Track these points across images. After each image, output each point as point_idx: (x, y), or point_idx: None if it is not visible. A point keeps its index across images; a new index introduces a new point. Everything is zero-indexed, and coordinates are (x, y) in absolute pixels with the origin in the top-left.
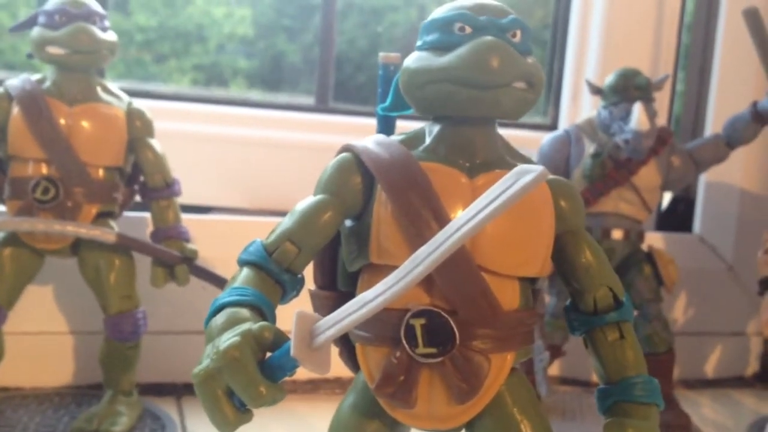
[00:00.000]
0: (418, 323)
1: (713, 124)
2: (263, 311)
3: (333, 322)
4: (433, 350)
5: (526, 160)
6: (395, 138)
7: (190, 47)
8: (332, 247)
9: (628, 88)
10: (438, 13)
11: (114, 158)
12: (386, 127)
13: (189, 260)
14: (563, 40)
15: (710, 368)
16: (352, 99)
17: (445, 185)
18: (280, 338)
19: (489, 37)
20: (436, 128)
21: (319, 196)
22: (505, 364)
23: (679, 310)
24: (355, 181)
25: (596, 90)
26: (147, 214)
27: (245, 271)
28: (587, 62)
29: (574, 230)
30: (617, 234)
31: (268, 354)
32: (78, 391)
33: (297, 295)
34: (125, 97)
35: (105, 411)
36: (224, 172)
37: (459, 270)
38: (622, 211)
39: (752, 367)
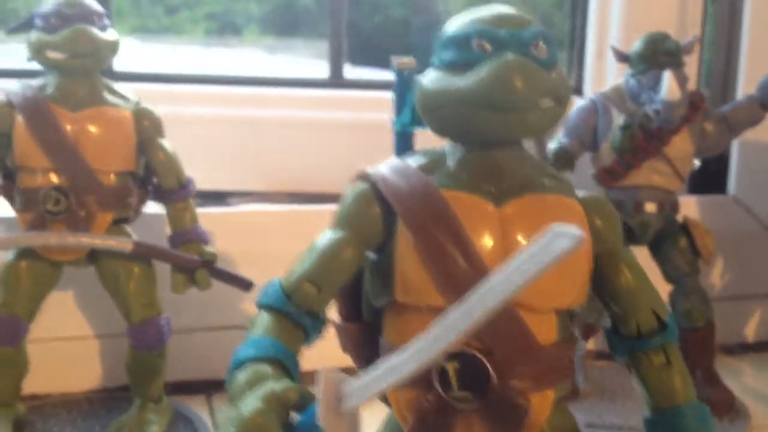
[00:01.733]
0: (451, 367)
1: (745, 84)
2: (286, 365)
3: (361, 384)
4: (468, 394)
5: (560, 180)
6: (413, 161)
7: None
8: (355, 278)
9: (656, 55)
10: (453, 27)
11: (125, 163)
12: (404, 141)
13: (209, 264)
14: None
15: (750, 332)
16: (366, 46)
17: (471, 216)
18: (306, 398)
19: (511, 55)
20: (458, 151)
21: (338, 233)
22: (546, 402)
23: (715, 275)
24: (374, 213)
25: (623, 57)
26: (162, 211)
27: (265, 317)
28: (611, 19)
29: (612, 250)
30: (650, 207)
31: (293, 414)
32: (107, 394)
33: (320, 335)
34: (132, 97)
35: (135, 420)
36: (239, 154)
37: None
38: (655, 183)
39: None
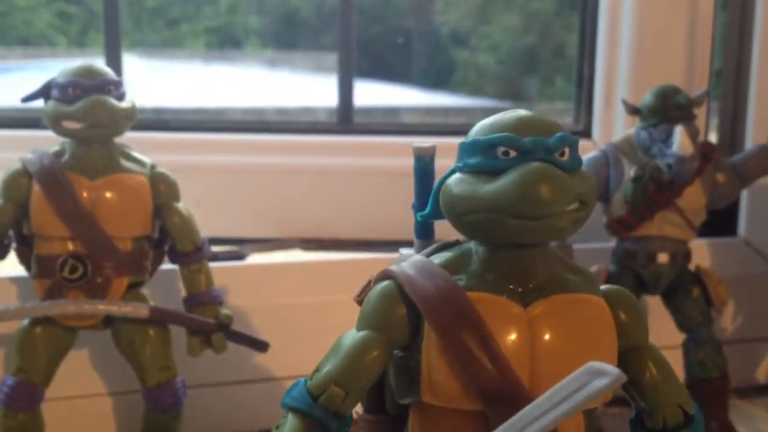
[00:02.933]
0: None
1: (755, 133)
2: None
3: None
4: None
5: (584, 275)
6: (438, 259)
7: (201, 10)
8: None
9: (667, 109)
10: (479, 134)
11: (141, 228)
12: (426, 229)
13: (225, 327)
14: (592, 45)
15: (763, 375)
16: (366, 57)
17: (497, 318)
18: None
19: (536, 164)
20: (483, 251)
21: (364, 333)
22: None
23: (726, 318)
24: (401, 313)
25: (633, 110)
26: (176, 267)
27: (291, 421)
28: (619, 64)
29: (637, 345)
30: (663, 258)
31: None
32: None
33: None
34: (147, 162)
35: None
36: (252, 201)
37: None
38: (667, 234)
39: None
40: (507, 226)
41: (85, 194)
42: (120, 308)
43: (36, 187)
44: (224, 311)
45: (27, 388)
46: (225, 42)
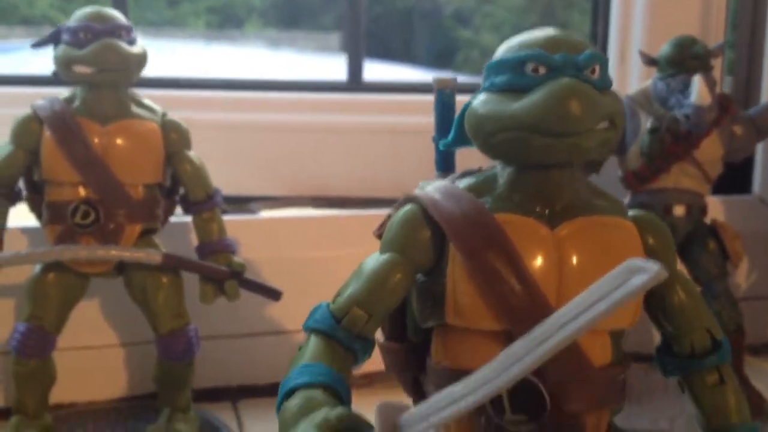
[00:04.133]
0: (505, 391)
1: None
2: (338, 391)
3: (420, 416)
4: (522, 417)
5: (611, 200)
6: (462, 183)
7: None
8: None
9: (685, 59)
10: (507, 52)
11: (153, 175)
12: (447, 159)
13: (238, 274)
14: (606, 3)
15: None
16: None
17: (525, 239)
18: (360, 427)
19: (566, 80)
20: (509, 172)
21: (387, 255)
22: (601, 424)
23: (741, 275)
24: (425, 236)
25: (650, 61)
26: (188, 219)
27: (314, 341)
28: (633, 21)
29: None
30: (679, 210)
31: None
32: (133, 402)
33: (369, 356)
34: (158, 109)
35: (163, 430)
36: (262, 159)
37: None
38: (684, 186)
39: None
40: (535, 145)
41: (96, 140)
42: (133, 254)
43: (47, 133)
44: (237, 259)
45: (39, 334)
46: (226, 21)
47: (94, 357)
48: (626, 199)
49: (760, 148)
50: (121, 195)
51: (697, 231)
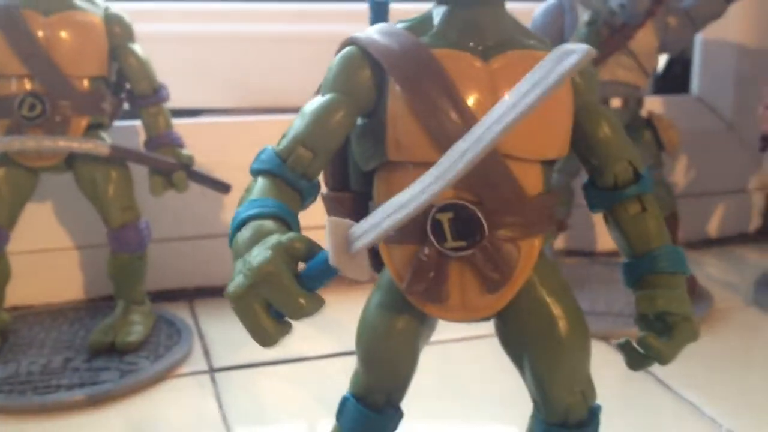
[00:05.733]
0: (445, 218)
1: None
2: (287, 221)
3: (369, 226)
4: (462, 243)
5: (538, 39)
6: (400, 25)
7: None
8: (341, 147)
9: None
10: None
11: (97, 67)
12: (380, 13)
13: (186, 166)
14: None
15: (713, 227)
16: None
17: (460, 71)
18: (312, 248)
19: None
20: (443, 11)
21: (329, 96)
22: (534, 250)
23: (680, 173)
24: (365, 75)
25: None
26: (138, 122)
27: (261, 181)
28: None
29: (591, 104)
30: (616, 102)
31: (302, 265)
32: (90, 304)
33: (314, 200)
34: (101, 2)
35: (120, 322)
36: (210, 72)
37: (483, 159)
38: (620, 78)
39: (755, 222)
40: None
41: (40, 32)
42: (80, 144)
43: None
44: (185, 152)
45: None
46: None
47: (49, 260)
48: None
49: (698, 49)
50: (66, 87)
51: (634, 123)
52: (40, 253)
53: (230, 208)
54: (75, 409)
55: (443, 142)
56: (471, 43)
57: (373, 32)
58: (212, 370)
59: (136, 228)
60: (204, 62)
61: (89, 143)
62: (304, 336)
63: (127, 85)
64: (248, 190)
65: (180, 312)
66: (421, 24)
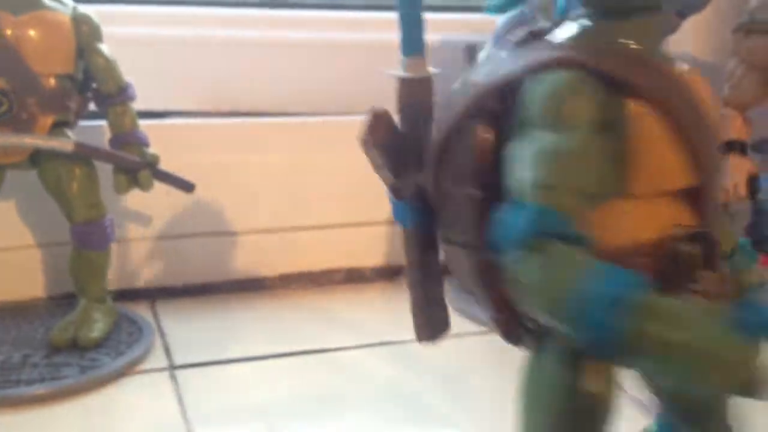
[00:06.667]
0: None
1: None
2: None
3: None
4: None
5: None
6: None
7: None
8: None
9: None
10: None
11: (64, 66)
12: (413, 26)
13: (150, 165)
14: None
15: None
16: None
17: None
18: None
19: None
20: (609, 23)
21: (573, 132)
22: None
23: None
24: (599, 101)
25: None
26: (104, 122)
27: (561, 248)
28: None
29: None
30: None
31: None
32: (51, 302)
33: None
34: (69, 2)
35: (80, 318)
36: (178, 75)
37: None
38: None
39: None
40: None
41: (9, 30)
42: (46, 141)
43: None
44: (150, 151)
45: None
46: None
47: (10, 257)
48: None
49: None
50: (33, 84)
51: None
52: (1, 252)
53: (194, 208)
54: (35, 404)
55: (705, 163)
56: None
57: (582, 53)
58: (173, 368)
59: (100, 225)
60: (171, 65)
61: (55, 140)
62: (263, 336)
63: (94, 84)
64: (560, 260)
65: (142, 311)
66: (594, 35)
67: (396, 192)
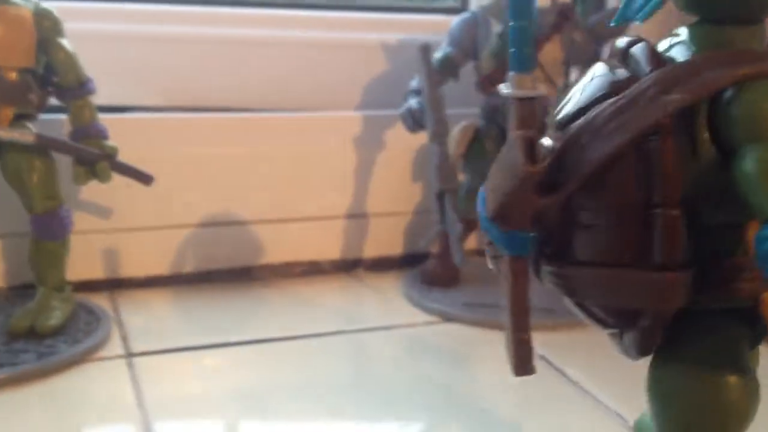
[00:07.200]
0: None
1: None
2: None
3: None
4: None
5: None
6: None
7: None
8: None
9: None
10: None
11: (25, 59)
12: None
13: (109, 157)
14: None
15: None
16: None
17: None
18: None
19: None
20: (713, 29)
21: None
22: None
23: None
24: None
25: None
26: (64, 116)
27: None
28: None
29: None
30: None
31: None
32: (9, 292)
33: None
34: None
35: (39, 307)
36: (138, 70)
37: None
38: None
39: None
40: None
41: None
42: (6, 133)
43: None
44: (109, 143)
45: None
46: None
47: None
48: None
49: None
50: None
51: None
52: None
53: (153, 200)
54: None
55: None
56: None
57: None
58: (130, 355)
59: (58, 215)
60: (132, 61)
61: (15, 132)
62: (223, 325)
63: (55, 78)
64: None
65: (100, 301)
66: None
67: (525, 220)
